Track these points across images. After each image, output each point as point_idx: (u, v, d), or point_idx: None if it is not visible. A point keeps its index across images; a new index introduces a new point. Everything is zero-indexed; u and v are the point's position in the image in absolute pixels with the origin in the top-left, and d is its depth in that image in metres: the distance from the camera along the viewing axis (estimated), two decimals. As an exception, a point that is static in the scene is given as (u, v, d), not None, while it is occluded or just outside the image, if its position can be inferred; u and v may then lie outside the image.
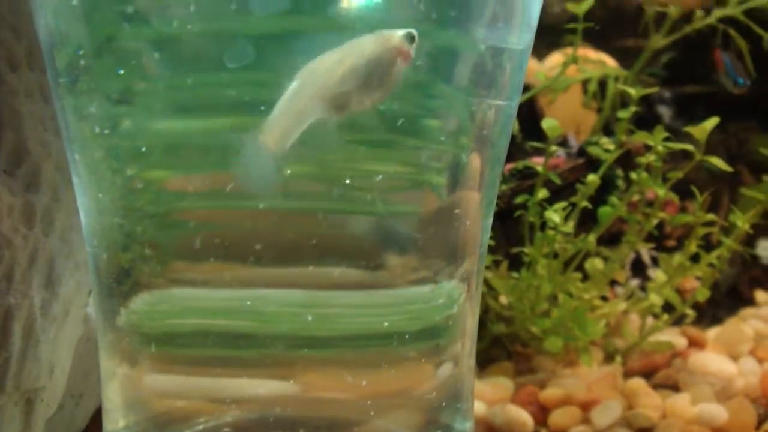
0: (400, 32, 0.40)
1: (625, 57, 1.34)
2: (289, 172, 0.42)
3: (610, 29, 1.39)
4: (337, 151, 0.43)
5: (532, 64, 1.29)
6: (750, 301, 0.92)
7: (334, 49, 0.39)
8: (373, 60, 0.40)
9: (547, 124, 0.68)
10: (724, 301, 0.91)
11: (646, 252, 0.87)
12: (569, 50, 0.85)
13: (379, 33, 0.40)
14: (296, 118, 0.39)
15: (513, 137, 0.85)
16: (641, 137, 0.71)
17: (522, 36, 0.48)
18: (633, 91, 0.73)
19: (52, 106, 0.46)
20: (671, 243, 0.88)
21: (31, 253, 0.45)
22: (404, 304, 0.46)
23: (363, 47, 0.39)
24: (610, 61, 1.09)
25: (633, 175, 0.71)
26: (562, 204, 0.69)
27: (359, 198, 0.44)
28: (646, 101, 1.02)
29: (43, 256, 0.46)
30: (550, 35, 1.42)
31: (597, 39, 1.35)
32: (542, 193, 0.70)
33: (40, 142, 0.46)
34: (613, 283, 0.81)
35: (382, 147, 0.44)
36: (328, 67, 0.39)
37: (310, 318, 0.45)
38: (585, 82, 0.95)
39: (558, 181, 0.70)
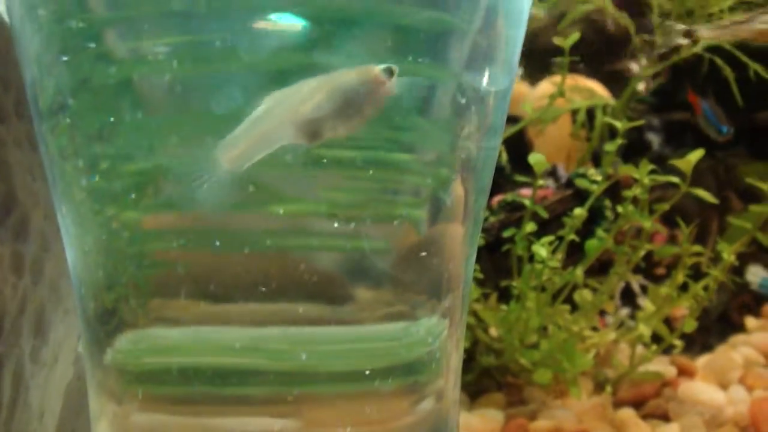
0: (381, 66, 0.40)
1: (616, 80, 1.36)
2: (251, 190, 0.42)
3: (601, 53, 1.41)
4: (308, 183, 0.43)
5: (524, 89, 1.30)
6: (740, 328, 0.93)
7: (311, 78, 0.39)
8: (351, 90, 0.40)
9: (533, 158, 0.69)
10: (715, 328, 0.91)
11: (635, 281, 0.87)
12: (558, 79, 0.86)
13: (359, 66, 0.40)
14: (261, 140, 0.39)
15: (501, 168, 0.86)
16: (628, 170, 0.72)
17: (503, 78, 0.49)
18: (619, 124, 0.73)
19: (40, 154, 0.47)
20: (660, 271, 0.89)
21: (20, 301, 0.46)
22: (380, 340, 0.46)
23: (342, 77, 0.39)
24: (600, 89, 1.10)
25: (619, 208, 0.71)
26: (550, 238, 0.70)
27: (332, 231, 0.44)
28: (635, 128, 1.02)
29: (33, 304, 0.46)
30: (542, 59, 1.44)
31: (588, 63, 1.36)
32: (530, 227, 0.71)
33: (28, 191, 0.47)
34: (603, 312, 0.82)
35: (357, 179, 0.45)
36: (304, 92, 0.39)
37: (290, 355, 0.45)
38: (574, 112, 0.96)
39: (545, 215, 0.70)
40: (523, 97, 1.23)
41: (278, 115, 0.39)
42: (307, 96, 0.39)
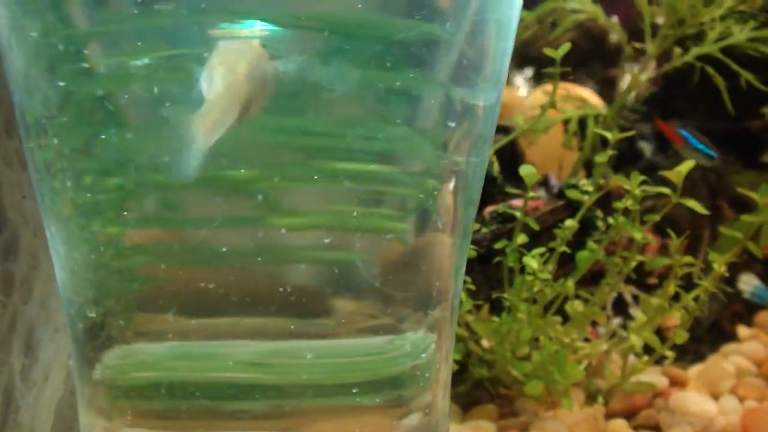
0: (256, 41, 0.39)
1: (609, 87, 1.36)
2: (236, 204, 0.42)
3: (593, 60, 1.41)
4: (293, 196, 0.43)
5: (516, 96, 1.31)
6: (732, 337, 0.93)
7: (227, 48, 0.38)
8: (262, 64, 0.39)
9: (524, 170, 0.69)
10: (707, 337, 0.91)
11: (627, 291, 0.88)
12: (550, 88, 0.86)
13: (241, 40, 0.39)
14: (225, 113, 0.38)
15: (493, 179, 0.86)
16: (619, 181, 0.72)
17: (492, 89, 0.49)
18: (610, 135, 0.74)
19: (29, 172, 0.47)
20: (653, 281, 0.89)
21: (10, 320, 0.46)
22: (365, 354, 0.46)
23: (251, 52, 0.38)
24: (592, 97, 1.11)
25: (611, 220, 0.72)
26: (541, 249, 0.70)
27: (316, 244, 0.44)
28: (626, 137, 1.03)
29: (23, 323, 0.46)
30: (535, 65, 1.44)
31: (581, 69, 1.37)
32: (521, 239, 0.71)
33: (18, 210, 0.47)
34: (595, 323, 0.82)
35: (341, 192, 0.45)
36: (244, 67, 0.38)
37: (275, 370, 0.45)
38: (566, 121, 0.96)
39: (537, 227, 0.71)
40: (516, 104, 1.24)
41: (233, 90, 0.37)
42: (247, 72, 0.38)
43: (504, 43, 0.49)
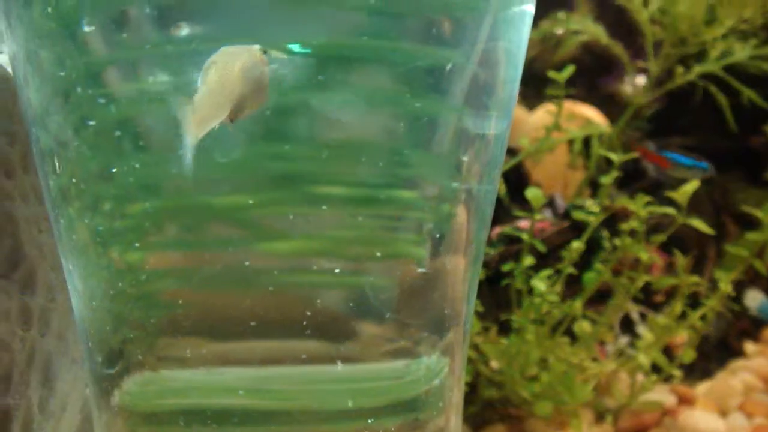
0: (257, 46, 0.39)
1: (611, 103, 1.37)
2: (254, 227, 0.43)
3: (597, 75, 1.42)
4: (310, 221, 0.44)
5: (521, 114, 1.31)
6: (740, 353, 0.93)
7: (226, 49, 0.39)
8: (258, 66, 0.39)
9: (530, 193, 0.70)
10: (714, 354, 0.92)
11: (634, 310, 0.88)
12: (554, 107, 0.87)
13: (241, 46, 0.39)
14: (214, 111, 0.38)
15: (500, 200, 0.87)
16: (624, 202, 0.72)
17: (501, 118, 0.50)
18: (615, 157, 0.74)
19: (46, 207, 0.48)
20: (659, 299, 0.89)
21: (28, 354, 0.46)
22: (382, 378, 0.47)
23: (248, 54, 0.38)
24: (596, 114, 1.11)
25: (617, 241, 0.72)
26: (548, 271, 0.71)
27: (334, 269, 0.45)
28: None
29: (41, 356, 0.47)
30: (539, 83, 1.45)
31: (584, 85, 1.38)
32: (528, 260, 0.72)
33: (35, 245, 0.48)
34: (602, 342, 0.83)
35: (358, 216, 0.45)
36: (239, 66, 0.38)
37: (293, 395, 0.45)
38: (570, 141, 0.97)
39: (543, 249, 0.71)
40: (521, 122, 1.24)
41: (226, 88, 0.38)
42: (242, 71, 0.38)
43: (513, 71, 0.49)
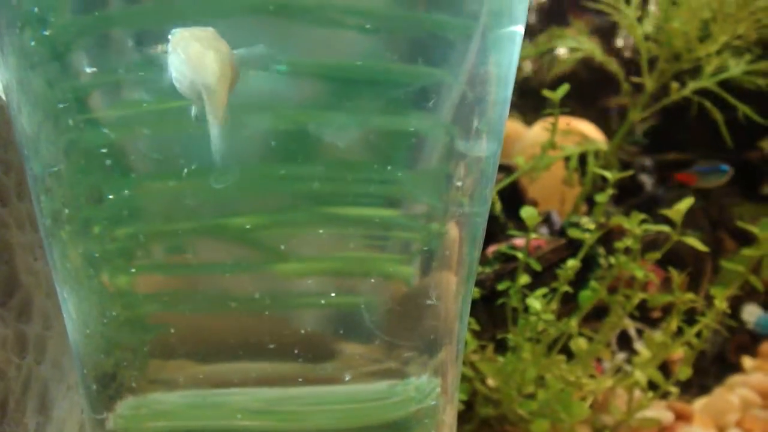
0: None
1: (608, 117, 1.38)
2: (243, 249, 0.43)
3: (593, 89, 1.43)
4: (298, 241, 0.44)
5: (519, 128, 1.32)
6: (737, 368, 0.93)
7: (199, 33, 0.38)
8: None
9: (525, 212, 0.70)
10: (712, 369, 0.92)
11: (631, 326, 0.88)
12: (550, 123, 0.87)
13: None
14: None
15: (495, 217, 0.87)
16: (620, 220, 0.73)
17: (492, 136, 0.50)
18: (609, 175, 0.75)
19: (41, 234, 0.48)
20: (656, 314, 0.90)
21: (24, 381, 0.47)
22: (369, 399, 0.47)
23: (216, 36, 0.38)
24: (592, 130, 1.12)
25: (612, 259, 0.73)
26: (544, 290, 0.71)
27: (322, 289, 0.45)
28: (628, 170, 1.04)
29: (37, 383, 0.47)
30: (536, 97, 1.45)
31: (580, 99, 1.38)
32: (524, 279, 0.72)
33: (30, 272, 0.48)
34: (599, 359, 0.83)
35: (345, 236, 0.45)
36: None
37: (282, 416, 0.45)
38: (567, 157, 0.97)
39: (539, 268, 0.72)
40: (518, 137, 1.25)
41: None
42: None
43: (504, 91, 0.50)
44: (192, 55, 0.38)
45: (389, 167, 0.45)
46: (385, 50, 0.44)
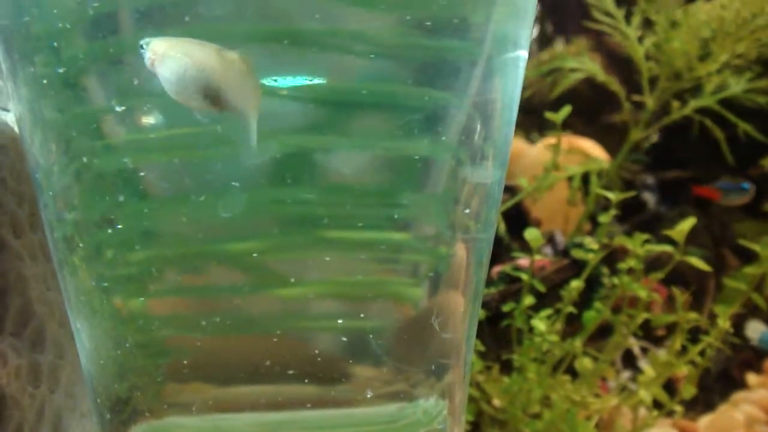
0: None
1: (611, 133, 1.38)
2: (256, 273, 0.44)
3: (595, 106, 1.44)
4: (309, 265, 0.45)
5: (522, 146, 1.33)
6: (742, 385, 0.94)
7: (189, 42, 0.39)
8: None
9: (529, 234, 0.71)
10: (716, 386, 0.93)
11: (635, 345, 0.89)
12: (553, 141, 0.88)
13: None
14: None
15: (500, 239, 0.88)
16: (623, 241, 0.74)
17: (496, 163, 0.50)
18: (612, 196, 0.76)
19: (53, 264, 0.49)
20: (660, 332, 0.90)
21: (38, 410, 0.47)
22: (377, 423, 0.47)
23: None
24: (595, 148, 1.13)
25: (615, 280, 0.73)
26: (548, 311, 0.72)
27: (332, 312, 0.46)
28: (630, 188, 1.05)
29: (50, 412, 0.48)
30: (538, 115, 1.46)
31: (582, 115, 1.39)
32: (528, 300, 0.73)
33: (44, 302, 0.49)
34: (604, 377, 0.83)
35: (355, 259, 0.46)
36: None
37: None
38: (570, 177, 0.98)
39: (543, 289, 0.72)
40: (521, 154, 1.26)
41: None
42: None
43: (508, 114, 0.50)
44: (199, 57, 0.38)
45: (397, 191, 0.45)
46: (392, 75, 0.45)
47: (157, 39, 0.39)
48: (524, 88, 0.53)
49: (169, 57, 0.38)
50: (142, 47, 0.39)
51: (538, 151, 1.15)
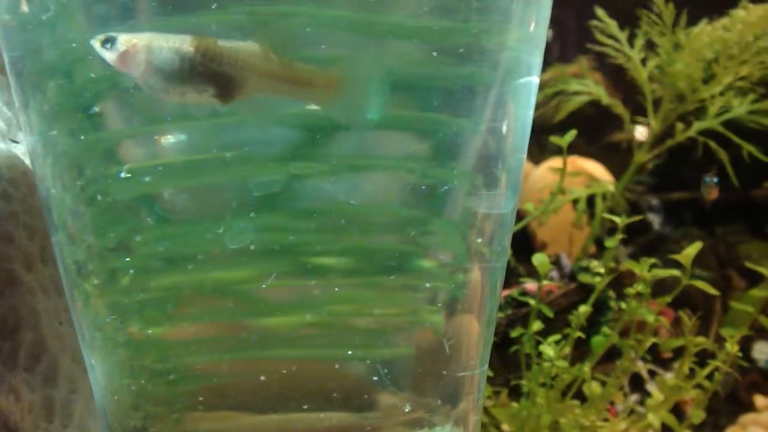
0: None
1: (615, 152, 1.38)
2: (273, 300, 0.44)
3: (599, 126, 1.44)
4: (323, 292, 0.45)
5: (527, 167, 1.32)
6: (750, 407, 0.94)
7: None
8: None
9: (536, 260, 0.71)
10: (724, 408, 0.92)
11: (643, 368, 0.89)
12: (556, 163, 0.88)
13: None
14: None
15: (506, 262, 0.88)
16: (630, 265, 0.74)
17: (510, 190, 0.51)
18: (618, 220, 0.76)
19: (65, 298, 0.49)
20: (667, 355, 0.90)
21: (51, 445, 0.48)
22: None
23: None
24: (599, 169, 1.13)
25: (622, 305, 0.73)
26: (556, 337, 0.72)
27: (352, 340, 0.46)
28: (635, 209, 1.05)
29: (63, 446, 0.48)
30: (542, 136, 1.46)
31: (586, 135, 1.39)
32: (536, 325, 0.73)
33: (56, 336, 0.49)
34: (612, 401, 0.83)
35: (374, 287, 0.46)
36: None
37: None
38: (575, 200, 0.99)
39: (551, 314, 0.72)
40: (525, 175, 1.26)
41: None
42: None
43: (521, 140, 0.51)
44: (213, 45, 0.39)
45: (415, 217, 0.46)
46: (411, 99, 0.45)
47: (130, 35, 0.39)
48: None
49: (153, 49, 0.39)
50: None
51: (542, 173, 1.15)
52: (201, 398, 0.45)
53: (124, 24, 0.41)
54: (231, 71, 0.39)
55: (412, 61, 0.45)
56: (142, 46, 0.39)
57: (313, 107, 0.43)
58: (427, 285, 0.47)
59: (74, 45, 0.44)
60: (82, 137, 0.45)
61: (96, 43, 0.40)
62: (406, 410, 0.46)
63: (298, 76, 0.40)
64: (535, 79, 0.52)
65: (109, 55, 0.40)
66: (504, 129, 0.48)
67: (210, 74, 0.39)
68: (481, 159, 0.47)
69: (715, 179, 0.91)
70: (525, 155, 0.52)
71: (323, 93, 0.41)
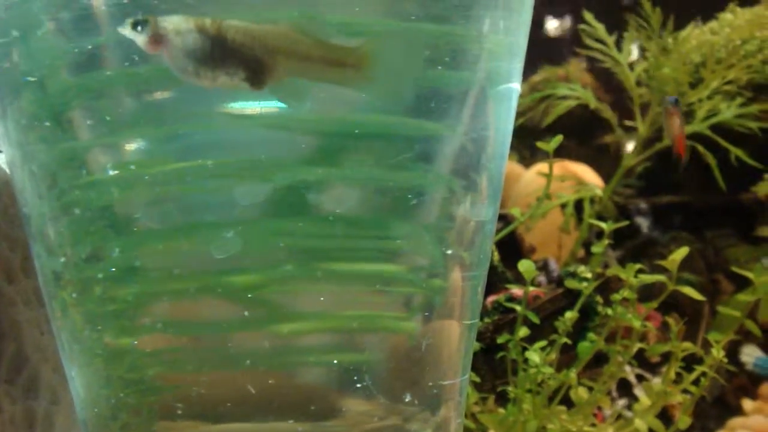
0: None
1: (604, 154, 1.39)
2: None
3: (588, 128, 1.44)
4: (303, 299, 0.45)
5: (516, 168, 1.33)
6: (737, 411, 0.94)
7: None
8: None
9: (523, 266, 0.71)
10: (712, 412, 0.92)
11: (630, 373, 0.89)
12: (545, 167, 0.88)
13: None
14: None
15: (494, 267, 0.88)
16: (616, 271, 0.74)
17: (490, 195, 0.51)
18: (605, 226, 0.76)
19: (46, 309, 0.49)
20: (655, 359, 0.90)
21: (32, 457, 0.47)
22: None
23: None
24: (588, 173, 1.13)
25: (609, 311, 0.73)
26: (542, 343, 0.72)
27: (325, 347, 0.46)
28: (624, 213, 1.05)
29: (44, 458, 0.48)
30: (531, 137, 1.46)
31: (575, 137, 1.39)
32: (523, 332, 0.73)
33: (38, 348, 0.49)
34: (600, 407, 0.83)
35: (349, 292, 0.46)
36: None
37: None
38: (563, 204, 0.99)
39: (537, 320, 0.72)
40: (515, 177, 1.26)
41: None
42: None
43: (501, 146, 0.51)
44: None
45: (392, 222, 0.46)
46: (390, 104, 0.45)
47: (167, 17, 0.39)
48: (517, 115, 0.54)
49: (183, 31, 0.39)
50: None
51: (531, 177, 1.15)
52: (178, 408, 0.45)
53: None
54: (261, 54, 0.39)
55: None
56: (172, 29, 0.39)
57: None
58: (404, 289, 0.47)
59: (46, 55, 0.43)
60: (55, 147, 0.45)
61: (126, 27, 0.39)
62: (380, 418, 0.46)
63: (329, 56, 0.40)
64: (515, 86, 0.52)
65: (141, 39, 0.39)
66: (484, 135, 0.48)
67: (240, 57, 0.39)
68: (459, 165, 0.47)
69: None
70: (506, 162, 0.52)
71: (355, 73, 0.40)
